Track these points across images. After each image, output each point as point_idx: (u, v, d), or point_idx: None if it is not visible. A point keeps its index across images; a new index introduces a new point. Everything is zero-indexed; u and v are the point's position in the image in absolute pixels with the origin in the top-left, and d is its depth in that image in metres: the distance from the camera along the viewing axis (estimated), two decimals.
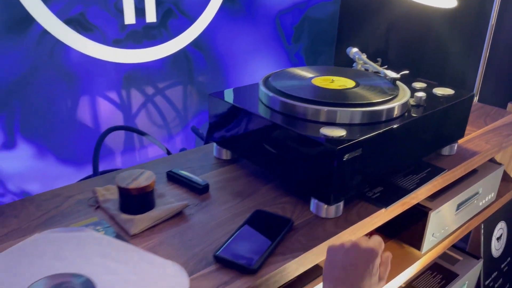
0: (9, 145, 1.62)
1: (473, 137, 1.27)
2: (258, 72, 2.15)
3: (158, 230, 0.84)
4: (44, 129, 1.68)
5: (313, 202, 0.90)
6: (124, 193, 0.86)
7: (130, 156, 1.94)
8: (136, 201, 0.86)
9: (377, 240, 0.73)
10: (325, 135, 0.85)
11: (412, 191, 0.99)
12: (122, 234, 0.82)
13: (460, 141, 1.20)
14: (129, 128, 1.59)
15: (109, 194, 0.93)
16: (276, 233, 0.82)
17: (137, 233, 0.82)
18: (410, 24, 2.25)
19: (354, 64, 1.23)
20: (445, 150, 1.16)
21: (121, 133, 1.86)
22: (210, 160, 1.12)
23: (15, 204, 0.90)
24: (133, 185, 0.86)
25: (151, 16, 1.81)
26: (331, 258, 0.73)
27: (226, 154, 1.12)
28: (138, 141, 1.95)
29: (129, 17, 1.74)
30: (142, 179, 0.88)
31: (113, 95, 1.83)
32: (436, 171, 1.07)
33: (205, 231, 0.84)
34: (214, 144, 1.13)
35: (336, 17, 2.51)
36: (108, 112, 1.83)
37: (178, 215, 0.89)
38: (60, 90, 1.67)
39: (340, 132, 0.86)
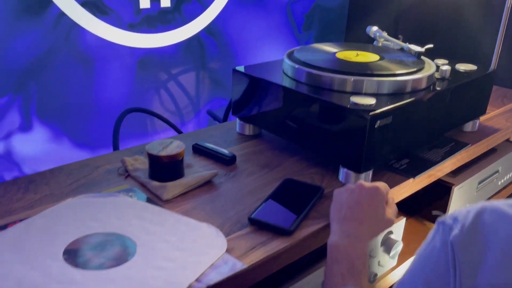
0: (25, 127, 1.63)
1: (493, 116, 1.27)
2: (269, 59, 2.15)
3: (190, 196, 0.84)
4: (59, 112, 1.68)
5: (342, 171, 0.91)
6: (155, 160, 0.86)
7: (143, 142, 1.94)
8: (167, 168, 0.87)
9: (381, 183, 0.76)
10: (355, 103, 0.85)
11: (438, 163, 0.99)
12: (155, 200, 0.82)
13: (481, 119, 1.21)
14: (146, 111, 1.60)
15: (138, 164, 0.93)
16: (307, 199, 0.82)
17: (170, 199, 0.83)
18: (421, 11, 2.25)
19: (375, 42, 1.23)
20: (468, 127, 1.16)
21: (134, 119, 1.86)
22: (233, 135, 1.12)
23: (44, 173, 0.91)
24: (164, 152, 0.86)
25: (165, 0, 1.81)
26: (337, 199, 0.75)
27: (249, 130, 1.12)
28: (150, 126, 1.95)
29: (144, 1, 1.75)
30: (172, 147, 0.88)
31: (127, 80, 1.83)
32: (460, 146, 1.07)
33: (236, 198, 0.84)
34: (237, 120, 1.13)
35: (346, 6, 2.51)
36: (122, 97, 1.83)
37: (207, 184, 0.89)
38: (76, 73, 1.68)
39: (370, 101, 0.86)
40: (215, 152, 0.99)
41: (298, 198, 0.83)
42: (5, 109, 1.57)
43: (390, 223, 0.74)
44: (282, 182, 0.88)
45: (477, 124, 1.17)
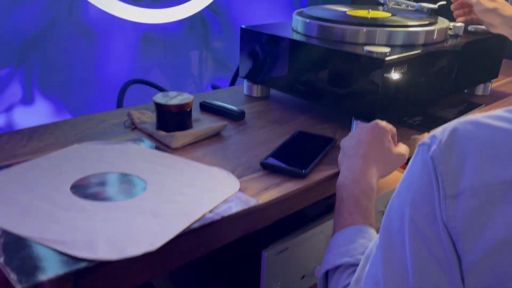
0: (27, 100, 1.60)
1: (504, 82, 1.25)
2: None
3: (199, 146, 0.82)
4: (61, 86, 1.66)
5: (356, 124, 0.88)
6: (163, 110, 0.84)
7: None
8: (175, 118, 0.84)
9: (383, 121, 0.76)
10: (370, 51, 0.83)
11: (452, 119, 0.97)
12: (163, 149, 0.80)
13: (493, 85, 1.18)
14: (150, 84, 1.57)
15: (144, 117, 0.90)
16: (320, 148, 0.80)
17: (179, 147, 0.80)
18: None
19: (384, 6, 1.20)
20: (479, 90, 1.14)
21: (136, 94, 1.84)
22: (241, 98, 1.10)
23: (48, 125, 0.88)
24: (173, 102, 0.84)
25: None
26: (342, 146, 0.75)
27: (257, 91, 1.09)
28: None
29: None
30: (180, 98, 0.86)
31: (130, 56, 1.81)
32: (473, 106, 1.05)
33: (247, 147, 0.82)
34: (245, 82, 1.11)
35: None
36: (124, 73, 1.81)
37: (216, 137, 0.86)
38: (78, 47, 1.65)
39: (385, 49, 0.84)
40: (223, 108, 0.96)
41: (310, 148, 0.81)
42: (7, 81, 1.55)
43: (403, 158, 0.73)
44: (294, 133, 0.86)
45: (489, 88, 1.15)
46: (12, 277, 0.42)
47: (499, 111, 0.47)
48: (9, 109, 1.57)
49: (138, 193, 0.62)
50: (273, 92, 1.12)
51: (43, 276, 0.43)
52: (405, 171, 0.51)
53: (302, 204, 0.71)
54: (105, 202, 0.59)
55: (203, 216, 0.57)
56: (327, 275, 0.63)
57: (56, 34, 1.59)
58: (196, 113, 0.97)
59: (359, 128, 0.75)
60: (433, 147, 0.46)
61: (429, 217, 0.45)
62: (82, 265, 0.46)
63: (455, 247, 0.44)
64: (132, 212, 0.57)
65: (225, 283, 0.84)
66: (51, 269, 0.44)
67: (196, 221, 0.56)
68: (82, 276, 0.48)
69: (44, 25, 1.56)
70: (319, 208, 0.84)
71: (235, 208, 0.60)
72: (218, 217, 0.58)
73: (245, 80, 1.10)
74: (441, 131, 0.48)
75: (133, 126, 0.88)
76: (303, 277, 0.79)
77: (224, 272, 0.85)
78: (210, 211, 0.59)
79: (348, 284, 0.57)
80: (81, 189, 0.62)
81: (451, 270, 0.45)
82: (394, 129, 0.76)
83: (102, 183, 0.64)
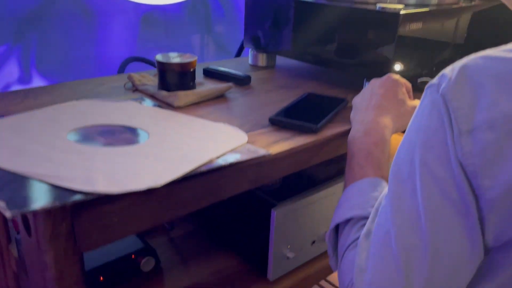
0: (24, 80, 1.56)
1: None
2: None
3: (204, 106, 0.78)
4: (59, 66, 1.61)
5: (367, 84, 0.84)
6: (165, 69, 0.80)
7: None
8: (178, 78, 0.80)
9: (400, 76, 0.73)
10: (383, 7, 0.79)
11: None
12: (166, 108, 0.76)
13: None
14: (150, 62, 1.53)
15: (145, 80, 0.86)
16: (331, 107, 0.76)
17: (182, 106, 0.76)
18: None
19: None
20: None
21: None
22: (246, 66, 1.06)
23: (45, 87, 0.84)
24: (176, 60, 0.79)
25: None
26: (354, 103, 0.72)
27: (262, 60, 1.05)
28: None
29: None
30: (184, 57, 0.82)
31: (130, 37, 1.77)
32: None
33: (254, 107, 0.78)
34: (250, 51, 1.07)
35: None
36: (123, 54, 1.76)
37: (221, 98, 0.82)
38: (77, 26, 1.61)
39: (398, 5, 0.80)
40: (228, 73, 0.92)
41: (321, 107, 0.77)
42: (3, 60, 1.51)
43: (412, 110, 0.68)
44: (304, 95, 0.82)
45: None
46: (1, 205, 0.38)
47: (509, 45, 0.44)
48: (5, 88, 1.53)
49: (140, 142, 0.58)
50: (279, 61, 1.09)
51: (35, 205, 0.38)
52: (413, 116, 0.48)
53: (314, 160, 0.67)
54: (105, 147, 0.55)
55: (210, 161, 0.53)
56: (337, 231, 0.59)
57: (54, 12, 1.55)
58: (199, 78, 0.93)
59: (371, 83, 0.72)
60: (443, 85, 0.43)
61: (441, 157, 0.42)
62: (78, 197, 0.41)
63: (471, 186, 0.41)
64: (134, 155, 0.53)
65: (233, 246, 0.80)
66: (45, 200, 0.40)
67: (203, 165, 0.52)
68: (78, 215, 0.43)
69: (42, 3, 1.52)
70: (330, 171, 0.80)
71: (243, 156, 0.56)
72: (225, 163, 0.53)
73: (250, 50, 1.06)
74: (450, 69, 0.45)
75: (134, 88, 0.84)
76: (313, 242, 0.75)
77: (233, 235, 0.80)
78: (218, 158, 0.54)
79: (358, 238, 0.53)
80: (79, 136, 0.58)
81: (468, 212, 0.42)
82: (409, 84, 0.72)
83: (102, 132, 0.60)
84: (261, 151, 0.59)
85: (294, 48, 0.95)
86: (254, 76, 0.97)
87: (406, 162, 0.46)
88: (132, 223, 0.48)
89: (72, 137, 0.57)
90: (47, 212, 0.42)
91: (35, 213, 0.43)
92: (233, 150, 0.58)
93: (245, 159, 0.56)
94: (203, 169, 0.51)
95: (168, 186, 0.50)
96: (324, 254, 0.79)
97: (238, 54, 1.25)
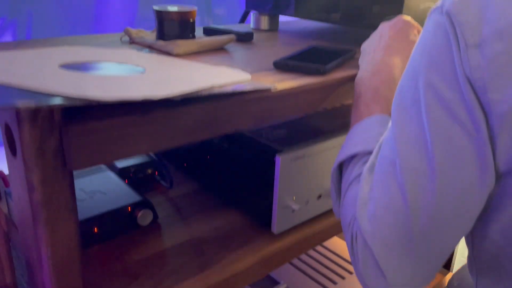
0: None
1: None
2: None
3: (204, 55, 0.74)
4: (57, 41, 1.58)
5: None
6: (164, 18, 0.76)
7: None
8: (178, 27, 0.76)
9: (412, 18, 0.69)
10: None
11: None
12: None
13: None
14: None
15: (143, 33, 0.83)
16: (338, 55, 0.72)
17: (181, 55, 0.72)
18: None
19: None
20: None
21: None
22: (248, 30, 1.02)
23: (37, 39, 0.80)
24: (175, 9, 0.76)
25: None
26: (366, 42, 0.69)
27: (264, 23, 1.02)
28: None
29: None
30: (183, 7, 0.78)
31: (129, 16, 1.73)
32: None
33: (257, 58, 0.74)
34: (252, 15, 1.03)
35: None
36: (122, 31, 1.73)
37: (222, 50, 0.78)
38: (75, 2, 1.57)
39: None
40: (230, 30, 0.88)
41: (328, 55, 0.73)
42: None
43: None
44: (309, 46, 0.78)
45: None
46: None
47: None
48: None
49: (136, 73, 0.54)
50: (282, 27, 1.05)
51: (19, 102, 0.34)
52: (416, 44, 0.46)
53: (321, 104, 0.63)
54: (99, 74, 0.51)
55: (212, 87, 0.49)
56: (341, 170, 0.56)
57: None
58: (200, 35, 0.89)
59: (380, 25, 0.68)
60: (447, 4, 0.41)
61: (448, 76, 0.40)
62: (67, 102, 0.37)
63: (480, 103, 0.39)
64: (130, 81, 0.49)
65: (236, 203, 0.76)
66: (32, 100, 0.36)
67: (204, 89, 0.48)
68: (67, 129, 0.40)
69: None
70: (337, 124, 0.77)
71: (247, 87, 0.52)
72: (228, 91, 0.50)
73: (252, 14, 1.03)
74: None
75: (131, 41, 0.80)
76: (320, 196, 0.71)
77: (236, 190, 0.76)
78: (220, 87, 0.51)
79: (361, 173, 0.50)
80: (71, 66, 0.54)
81: (478, 132, 0.39)
82: (420, 27, 0.68)
83: (96, 67, 0.56)
84: (266, 85, 0.55)
85: (300, 5, 0.91)
86: (257, 36, 0.93)
87: (409, 89, 0.44)
88: (126, 145, 0.44)
89: (64, 67, 0.53)
90: (33, 124, 0.38)
91: (20, 124, 0.39)
92: (236, 83, 0.54)
93: (249, 89, 0.52)
94: (204, 93, 0.47)
95: (166, 109, 0.46)
96: (330, 212, 0.75)
97: (242, 21, 1.21)
